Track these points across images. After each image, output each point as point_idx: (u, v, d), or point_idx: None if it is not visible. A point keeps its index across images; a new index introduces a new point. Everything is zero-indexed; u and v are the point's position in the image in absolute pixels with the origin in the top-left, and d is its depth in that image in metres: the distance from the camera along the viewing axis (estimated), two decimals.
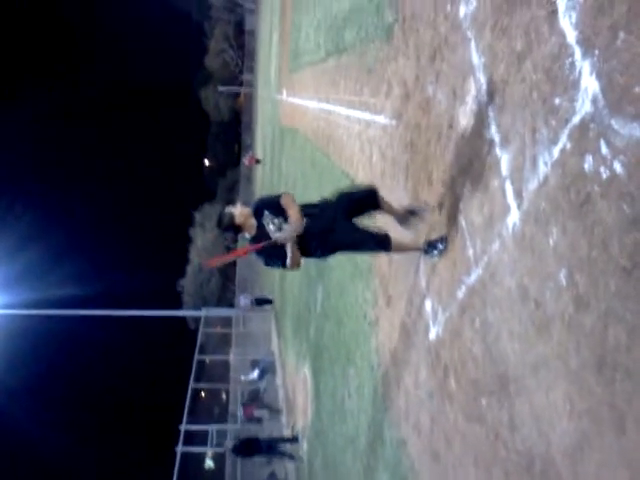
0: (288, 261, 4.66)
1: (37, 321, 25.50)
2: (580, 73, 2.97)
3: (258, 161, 36.12)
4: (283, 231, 4.62)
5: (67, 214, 67.86)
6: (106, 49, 76.93)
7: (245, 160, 41.69)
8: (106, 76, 75.81)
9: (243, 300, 21.63)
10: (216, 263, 4.79)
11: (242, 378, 20.65)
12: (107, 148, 75.82)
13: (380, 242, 4.83)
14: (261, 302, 21.25)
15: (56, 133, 71.88)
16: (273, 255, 4.77)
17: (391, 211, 5.19)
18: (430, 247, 4.82)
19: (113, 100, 76.07)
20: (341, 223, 4.83)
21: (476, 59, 4.34)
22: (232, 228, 4.78)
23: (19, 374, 50.69)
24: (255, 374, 19.99)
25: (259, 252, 4.78)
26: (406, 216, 5.14)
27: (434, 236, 4.85)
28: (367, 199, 5.05)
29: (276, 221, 4.69)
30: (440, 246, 4.72)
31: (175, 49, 75.68)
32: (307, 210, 4.83)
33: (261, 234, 4.72)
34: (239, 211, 4.74)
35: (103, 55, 77.01)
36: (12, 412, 50.15)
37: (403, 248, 5.12)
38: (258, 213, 4.79)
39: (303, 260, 4.79)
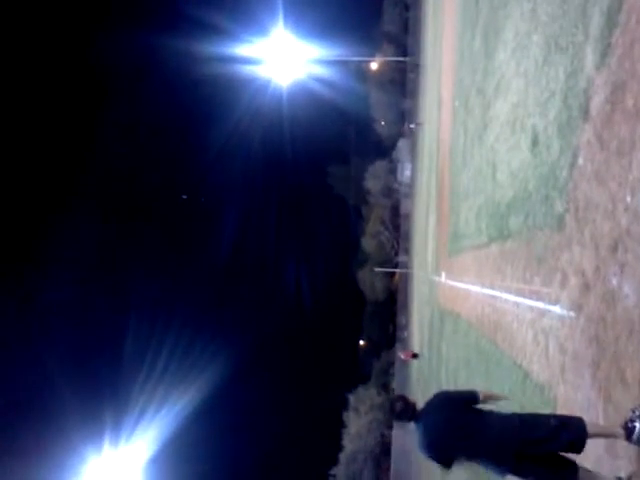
0: None
1: None
2: None
3: (415, 355, 34.52)
4: None
5: (221, 397, 70.07)
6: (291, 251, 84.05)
7: (401, 354, 40.87)
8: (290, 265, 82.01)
9: None
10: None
11: None
12: (267, 328, 79.37)
13: None
14: None
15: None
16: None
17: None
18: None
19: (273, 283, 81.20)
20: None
21: None
22: (405, 413, 4.72)
23: None
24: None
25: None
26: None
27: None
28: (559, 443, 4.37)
29: None
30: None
31: (332, 232, 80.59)
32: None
33: None
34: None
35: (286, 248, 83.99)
36: None
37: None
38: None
39: None
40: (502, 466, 4.42)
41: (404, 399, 4.81)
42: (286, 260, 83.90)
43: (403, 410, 4.75)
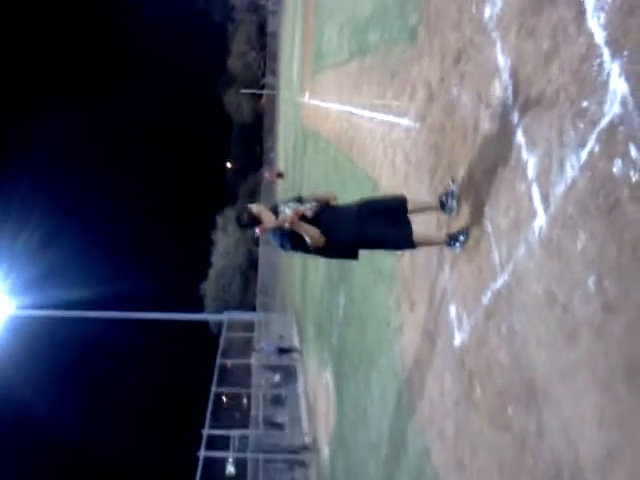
0: (307, 240, 4.72)
1: (55, 323, 25.32)
2: (609, 75, 2.91)
3: (280, 175, 32.12)
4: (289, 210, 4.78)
5: (89, 215, 68.60)
6: (127, 55, 77.71)
7: (266, 174, 38.58)
8: (128, 81, 76.49)
9: (266, 347, 20.83)
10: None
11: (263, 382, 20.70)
12: (130, 149, 76.62)
13: (404, 239, 4.83)
14: (285, 351, 20.38)
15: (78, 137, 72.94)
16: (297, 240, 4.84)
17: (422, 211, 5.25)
18: (452, 239, 4.80)
19: (136, 104, 76.67)
20: (364, 220, 4.85)
21: (502, 61, 4.28)
22: (250, 222, 4.89)
23: (38, 378, 51.11)
24: (277, 378, 19.94)
25: (285, 237, 4.85)
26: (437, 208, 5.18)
27: (456, 229, 4.83)
28: (394, 209, 5.01)
29: (291, 204, 4.88)
30: (462, 237, 4.71)
31: (196, 51, 76.00)
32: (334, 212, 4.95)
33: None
34: (256, 206, 4.87)
35: (124, 62, 77.87)
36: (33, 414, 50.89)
37: (426, 241, 5.10)
38: (276, 210, 4.91)
39: (323, 238, 4.74)
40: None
41: (248, 210, 4.96)
42: (147, 81, 78.79)
43: (247, 220, 4.95)
